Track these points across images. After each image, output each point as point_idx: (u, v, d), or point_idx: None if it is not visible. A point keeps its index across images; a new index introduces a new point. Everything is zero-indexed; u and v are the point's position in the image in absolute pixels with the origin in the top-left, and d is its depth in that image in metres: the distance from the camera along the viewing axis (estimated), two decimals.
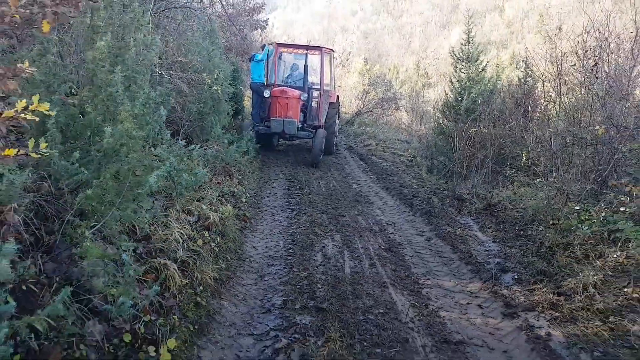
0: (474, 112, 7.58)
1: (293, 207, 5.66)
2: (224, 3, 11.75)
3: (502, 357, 2.69)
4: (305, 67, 8.85)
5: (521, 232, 4.47)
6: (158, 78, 4.12)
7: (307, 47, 9.54)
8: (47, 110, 1.80)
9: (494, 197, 5.52)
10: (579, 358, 2.57)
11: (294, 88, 8.64)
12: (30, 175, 2.40)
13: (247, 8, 14.56)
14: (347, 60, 25.24)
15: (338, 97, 10.24)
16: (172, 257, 3.10)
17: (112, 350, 2.17)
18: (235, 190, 5.63)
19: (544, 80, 6.57)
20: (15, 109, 1.80)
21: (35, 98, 1.79)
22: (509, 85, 9.41)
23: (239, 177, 6.34)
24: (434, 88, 24.28)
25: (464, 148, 6.69)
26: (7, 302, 1.69)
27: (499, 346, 2.79)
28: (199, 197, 4.35)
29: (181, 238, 3.37)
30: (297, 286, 3.43)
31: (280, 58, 9.51)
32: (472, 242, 4.52)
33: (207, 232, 3.88)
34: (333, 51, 10.54)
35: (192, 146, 4.17)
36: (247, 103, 11.15)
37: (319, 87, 9.09)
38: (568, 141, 5.10)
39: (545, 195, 4.77)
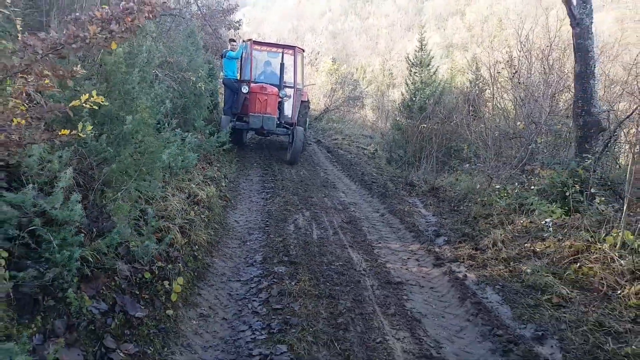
0: (425, 111, 8.59)
1: (268, 190, 6.45)
2: (199, 4, 12.32)
3: (430, 291, 3.62)
4: (282, 65, 8.80)
5: (455, 208, 5.47)
6: (154, 77, 4.78)
7: (282, 46, 9.61)
8: (102, 101, 2.53)
9: (438, 182, 6.52)
10: (484, 290, 3.53)
11: (264, 84, 8.63)
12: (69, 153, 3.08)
13: (221, 9, 15.15)
14: (316, 59, 26.07)
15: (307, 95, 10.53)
16: (172, 222, 3.84)
17: (137, 283, 2.91)
18: (215, 175, 6.34)
19: (482, 84, 7.64)
20: (79, 99, 2.52)
21: (94, 92, 2.51)
22: (461, 87, 10.54)
23: (218, 164, 7.04)
24: (398, 88, 25.54)
25: (416, 142, 7.69)
26: (77, 234, 2.41)
27: (428, 284, 3.72)
28: (188, 179, 5.07)
29: (178, 209, 4.11)
30: (274, 248, 4.24)
31: (248, 54, 9.48)
32: (417, 216, 5.49)
33: (196, 207, 4.61)
34: (304, 51, 10.78)
35: (185, 134, 4.86)
36: (221, 99, 11.73)
37: (292, 85, 9.24)
38: (496, 135, 6.17)
39: (477, 179, 5.80)
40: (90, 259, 2.63)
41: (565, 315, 2.94)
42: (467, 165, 6.26)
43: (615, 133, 4.97)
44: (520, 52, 6.29)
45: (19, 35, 2.56)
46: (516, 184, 5.15)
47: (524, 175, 5.20)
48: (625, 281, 3.15)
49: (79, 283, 2.43)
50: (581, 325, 2.80)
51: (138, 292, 2.78)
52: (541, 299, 3.17)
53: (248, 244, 4.44)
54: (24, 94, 2.77)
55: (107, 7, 2.51)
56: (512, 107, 6.43)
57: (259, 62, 10.05)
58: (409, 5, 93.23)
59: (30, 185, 2.31)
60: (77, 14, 2.44)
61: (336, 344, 2.70)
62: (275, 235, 4.60)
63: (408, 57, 10.22)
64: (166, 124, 4.23)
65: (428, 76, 9.50)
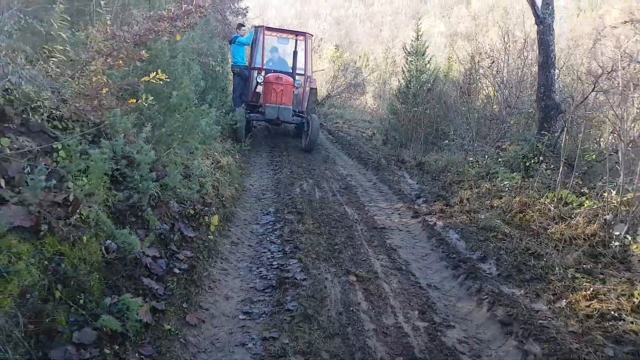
0: (418, 97, 9.50)
1: (276, 163, 7.42)
2: None
3: (406, 234, 4.61)
4: (295, 53, 8.66)
5: (435, 177, 6.45)
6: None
7: (295, 32, 9.33)
8: (166, 78, 3.48)
9: (425, 159, 7.47)
10: (448, 232, 4.51)
11: (279, 73, 8.59)
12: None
13: None
14: (319, 46, 26.76)
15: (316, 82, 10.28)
16: (205, 178, 4.81)
17: (185, 215, 3.89)
18: (230, 149, 7.31)
19: (471, 72, 8.54)
20: (148, 76, 3.47)
21: (160, 71, 3.46)
22: (457, 75, 11.39)
23: (230, 140, 8.00)
24: (401, 76, 26.26)
25: (408, 125, 8.62)
26: (150, 172, 3.37)
27: (405, 229, 4.71)
28: (210, 149, 6.03)
29: (208, 170, 5.08)
30: (284, 203, 5.22)
31: (260, 41, 9.06)
32: (403, 184, 6.47)
33: (220, 171, 5.59)
34: (312, 36, 10.40)
35: (212, 109, 5.79)
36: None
37: (302, 73, 9.07)
38: (476, 117, 7.10)
39: (457, 155, 6.76)
40: (155, 194, 3.62)
41: (504, 245, 3.92)
42: (446, 141, 7.20)
43: (572, 115, 5.89)
44: (502, 44, 7.18)
45: (107, 27, 3.48)
46: (486, 157, 6.11)
47: (496, 151, 6.15)
48: (555, 223, 4.13)
49: (150, 208, 3.41)
50: (514, 251, 3.79)
51: (187, 222, 3.77)
52: (489, 236, 4.15)
53: (262, 200, 5.43)
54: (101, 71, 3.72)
55: (172, 9, 3.47)
56: (493, 93, 7.35)
57: (266, 49, 9.49)
58: None
59: (121, 136, 3.27)
60: (152, 13, 3.40)
61: (332, 260, 3.69)
62: (284, 195, 5.58)
63: (405, 46, 11.08)
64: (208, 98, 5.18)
65: (423, 65, 10.36)
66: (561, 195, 4.57)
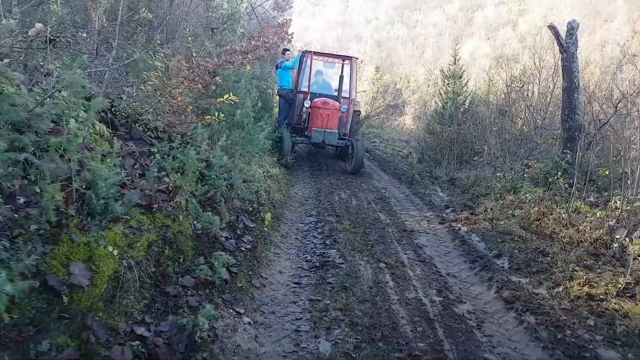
0: (455, 118, 10.08)
1: (317, 176, 8.23)
2: (259, 20, 14.45)
3: (432, 236, 5.23)
4: (341, 77, 8.88)
5: (464, 191, 7.00)
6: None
7: (342, 57, 9.58)
8: (236, 99, 4.39)
9: (457, 175, 8.03)
10: (470, 235, 5.09)
11: (323, 96, 8.90)
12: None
13: (276, 23, 17.30)
14: (360, 68, 27.80)
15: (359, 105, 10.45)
16: (259, 184, 5.68)
17: (245, 210, 4.72)
18: (277, 163, 8.20)
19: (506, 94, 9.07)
20: (222, 98, 4.40)
21: (232, 94, 4.38)
22: (496, 97, 11.87)
23: (275, 155, 8.91)
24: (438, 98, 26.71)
25: (443, 143, 9.21)
26: (222, 173, 4.26)
27: (432, 232, 5.33)
28: (263, 160, 6.93)
29: (261, 177, 5.95)
30: (324, 208, 5.98)
31: (307, 65, 9.35)
32: (434, 196, 7.07)
33: (269, 179, 6.46)
34: (357, 59, 10.48)
35: (266, 126, 6.73)
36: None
37: (347, 96, 9.24)
38: (507, 137, 7.62)
39: (487, 170, 7.30)
40: (225, 191, 4.49)
41: (517, 245, 4.47)
42: (476, 158, 7.74)
43: (595, 135, 6.32)
44: (534, 68, 7.71)
45: (193, 59, 4.47)
46: (513, 172, 6.62)
47: (522, 167, 6.66)
48: (566, 229, 4.63)
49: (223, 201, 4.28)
50: (525, 250, 4.34)
51: (247, 215, 4.61)
52: (506, 239, 4.71)
53: (305, 205, 6.23)
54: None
55: (243, 44, 4.41)
56: (524, 114, 7.86)
57: (311, 72, 9.65)
58: (459, 14, 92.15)
59: (203, 144, 4.18)
60: (228, 47, 4.35)
61: (365, 251, 4.39)
62: (324, 201, 6.35)
63: (442, 69, 11.74)
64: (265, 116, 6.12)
65: (460, 87, 10.94)
66: (575, 206, 5.05)
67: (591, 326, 2.99)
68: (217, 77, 4.58)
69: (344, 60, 9.35)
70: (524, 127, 7.38)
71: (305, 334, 2.90)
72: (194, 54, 4.71)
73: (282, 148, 8.29)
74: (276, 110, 10.03)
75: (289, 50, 10.34)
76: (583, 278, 3.54)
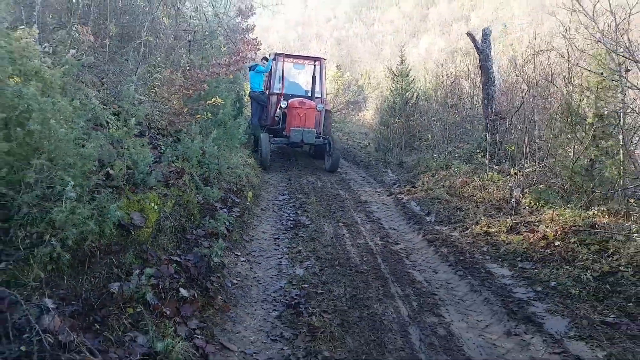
0: (404, 111, 11.53)
1: (287, 166, 9.43)
2: (225, 27, 15.40)
3: (381, 205, 6.56)
4: (314, 78, 9.10)
5: (409, 171, 8.43)
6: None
7: (312, 58, 9.94)
8: (222, 102, 5.53)
9: (404, 159, 9.46)
10: (410, 202, 6.46)
11: (295, 96, 9.12)
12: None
13: (241, 29, 18.27)
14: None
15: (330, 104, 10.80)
16: (239, 170, 6.82)
17: (231, 189, 5.86)
18: (250, 154, 9.33)
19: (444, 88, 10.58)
20: (211, 101, 5.52)
21: (218, 97, 5.51)
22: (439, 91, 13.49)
23: (248, 148, 10.02)
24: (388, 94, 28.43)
25: (394, 134, 10.64)
26: (213, 161, 5.38)
27: (381, 202, 6.67)
28: (240, 152, 8.05)
29: (240, 165, 7.09)
30: (295, 189, 7.20)
31: (279, 67, 9.51)
32: (385, 176, 8.45)
33: (248, 167, 7.60)
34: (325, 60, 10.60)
35: (242, 123, 7.84)
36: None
37: (319, 96, 9.50)
38: (444, 125, 9.11)
39: (428, 154, 8.75)
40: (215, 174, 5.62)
41: (443, 206, 5.87)
42: (418, 143, 9.20)
43: (511, 121, 7.85)
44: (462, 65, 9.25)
45: (187, 70, 5.55)
46: (446, 153, 8.09)
47: (454, 149, 8.13)
48: (480, 192, 6.07)
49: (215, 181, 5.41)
50: (448, 209, 5.74)
51: (233, 193, 5.76)
52: (435, 202, 6.10)
53: (279, 187, 7.43)
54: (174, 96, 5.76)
55: (225, 58, 5.55)
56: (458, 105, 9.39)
57: (280, 74, 9.69)
58: (414, 11, 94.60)
59: (199, 137, 5.28)
60: (214, 61, 5.48)
61: (328, 217, 5.65)
62: (295, 184, 7.57)
63: (391, 69, 13.21)
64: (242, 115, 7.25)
65: (407, 84, 12.43)
66: (490, 175, 6.52)
67: (484, 251, 4.38)
68: (205, 85, 5.71)
69: (315, 62, 9.61)
70: (457, 116, 8.88)
71: (285, 266, 4.11)
72: (188, 67, 5.79)
73: (261, 151, 8.53)
74: (247, 110, 10.55)
75: (267, 59, 10.29)
76: (484, 223, 4.95)
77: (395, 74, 12.69)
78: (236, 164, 6.76)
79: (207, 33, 6.40)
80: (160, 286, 2.89)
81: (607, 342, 2.62)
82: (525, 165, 5.88)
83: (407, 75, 12.54)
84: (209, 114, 5.77)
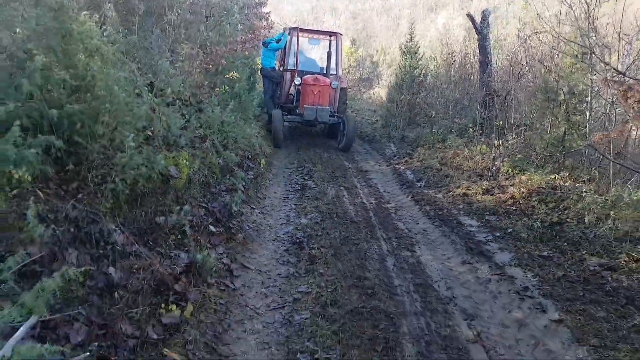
0: (410, 88, 12.08)
1: (296, 138, 10.18)
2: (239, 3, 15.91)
3: (380, 173, 7.31)
4: (329, 54, 8.76)
5: (409, 144, 9.11)
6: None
7: (328, 33, 9.35)
8: (238, 76, 6.27)
9: (407, 134, 10.12)
10: (406, 171, 7.19)
11: (309, 73, 8.84)
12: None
13: (254, 3, 18.71)
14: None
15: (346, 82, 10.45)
16: (253, 139, 7.60)
17: (247, 157, 6.65)
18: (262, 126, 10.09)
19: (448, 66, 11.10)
20: (228, 75, 6.26)
21: (234, 72, 6.24)
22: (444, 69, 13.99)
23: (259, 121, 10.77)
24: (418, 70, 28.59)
25: (400, 109, 11.26)
26: (232, 129, 6.16)
27: (380, 171, 7.42)
28: (254, 123, 8.81)
29: (255, 134, 7.87)
30: (303, 159, 7.97)
31: (293, 42, 9.06)
32: (387, 150, 9.17)
33: (261, 137, 8.37)
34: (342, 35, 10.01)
35: (255, 96, 8.55)
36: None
37: (335, 72, 9.20)
38: (444, 102, 9.71)
39: (427, 129, 9.40)
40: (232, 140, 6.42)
41: (434, 174, 6.59)
42: (418, 119, 9.84)
43: (506, 98, 8.42)
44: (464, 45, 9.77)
45: (205, 46, 6.27)
46: (443, 128, 8.74)
47: (451, 124, 8.77)
48: (467, 162, 6.77)
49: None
50: (438, 176, 6.46)
51: (248, 160, 6.56)
52: (427, 171, 6.82)
53: (289, 157, 8.21)
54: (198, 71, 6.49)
55: (242, 36, 6.27)
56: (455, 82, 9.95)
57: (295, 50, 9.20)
58: None
59: (217, 108, 6.05)
60: (231, 38, 6.20)
61: (332, 181, 6.43)
62: (303, 155, 8.34)
63: (400, 46, 13.68)
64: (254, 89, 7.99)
65: (416, 61, 12.92)
66: (479, 148, 7.19)
67: (460, 208, 5.13)
68: (223, 60, 6.44)
69: (330, 37, 9.18)
70: (457, 93, 9.47)
71: (293, 217, 4.93)
72: (208, 44, 6.51)
73: (275, 129, 8.30)
74: (259, 86, 10.48)
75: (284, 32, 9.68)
76: (465, 186, 5.69)
77: (404, 51, 13.17)
78: (250, 134, 7.54)
79: (224, 12, 7.03)
80: (194, 222, 3.73)
81: (538, 268, 3.39)
82: (508, 138, 6.54)
83: (416, 53, 13.02)
84: (227, 87, 6.52)
